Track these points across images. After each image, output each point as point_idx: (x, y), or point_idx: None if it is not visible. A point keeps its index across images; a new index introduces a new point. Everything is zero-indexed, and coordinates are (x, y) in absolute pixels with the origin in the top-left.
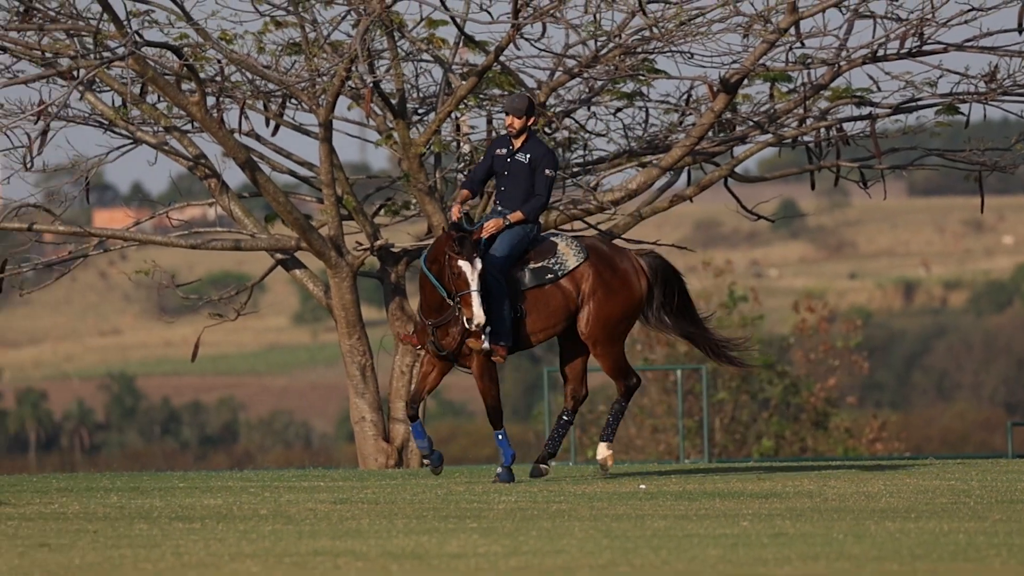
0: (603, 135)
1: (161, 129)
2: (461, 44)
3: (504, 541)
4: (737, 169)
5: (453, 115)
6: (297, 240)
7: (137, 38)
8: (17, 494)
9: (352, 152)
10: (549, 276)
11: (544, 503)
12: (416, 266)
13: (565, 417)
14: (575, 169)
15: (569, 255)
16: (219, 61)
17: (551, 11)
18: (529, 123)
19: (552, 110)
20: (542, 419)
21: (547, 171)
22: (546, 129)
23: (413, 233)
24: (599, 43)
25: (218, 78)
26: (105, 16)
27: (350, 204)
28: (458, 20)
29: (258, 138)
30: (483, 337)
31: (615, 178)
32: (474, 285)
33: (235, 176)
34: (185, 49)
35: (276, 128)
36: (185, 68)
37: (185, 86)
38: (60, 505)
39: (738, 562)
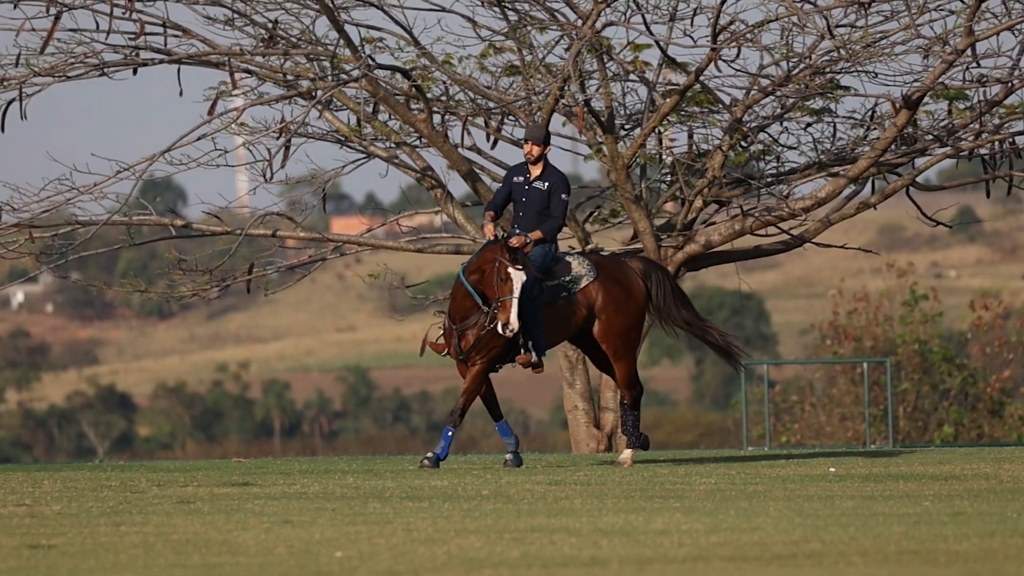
0: (794, 148)
1: (392, 144)
2: (664, 66)
3: (705, 519)
4: (918, 179)
5: (657, 130)
6: None
7: (370, 62)
8: (263, 476)
9: (565, 164)
10: (564, 294)
11: (741, 484)
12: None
13: (625, 402)
14: (769, 179)
15: (581, 273)
16: (444, 82)
17: (747, 35)
18: (545, 151)
19: (747, 125)
20: (739, 408)
21: (563, 195)
22: (742, 143)
23: (620, 238)
24: (791, 64)
25: (443, 97)
26: (341, 42)
27: None
28: (661, 44)
29: (479, 152)
30: (531, 352)
31: (805, 187)
32: (517, 292)
33: (458, 186)
34: (413, 71)
35: (495, 142)
36: (413, 88)
37: (413, 105)
38: (302, 486)
39: (920, 539)
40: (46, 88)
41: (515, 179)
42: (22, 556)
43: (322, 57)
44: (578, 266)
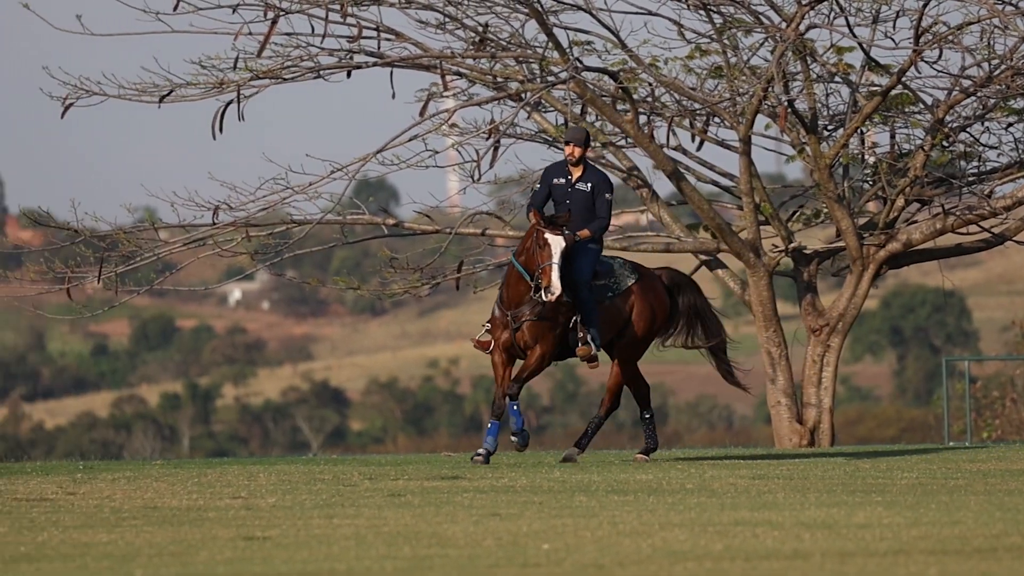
0: (995, 148)
1: (598, 144)
2: (867, 67)
3: (906, 513)
4: None
5: (860, 130)
6: (719, 243)
7: (578, 64)
8: (472, 469)
9: (768, 164)
10: (610, 294)
11: (942, 479)
12: (825, 268)
13: (647, 415)
14: (970, 178)
15: (624, 276)
16: (650, 84)
17: (949, 37)
18: (586, 153)
19: (949, 126)
20: (940, 404)
21: (607, 195)
22: (943, 143)
23: (823, 237)
24: (992, 65)
25: (649, 99)
26: (550, 45)
27: (767, 211)
28: (864, 46)
29: (684, 152)
30: (590, 345)
31: (1006, 186)
32: (556, 258)
33: (664, 186)
34: (620, 73)
35: (700, 143)
36: (620, 90)
37: (620, 106)
38: (510, 479)
39: None
40: (263, 90)
41: (555, 181)
42: (238, 547)
43: (531, 60)
44: (620, 269)
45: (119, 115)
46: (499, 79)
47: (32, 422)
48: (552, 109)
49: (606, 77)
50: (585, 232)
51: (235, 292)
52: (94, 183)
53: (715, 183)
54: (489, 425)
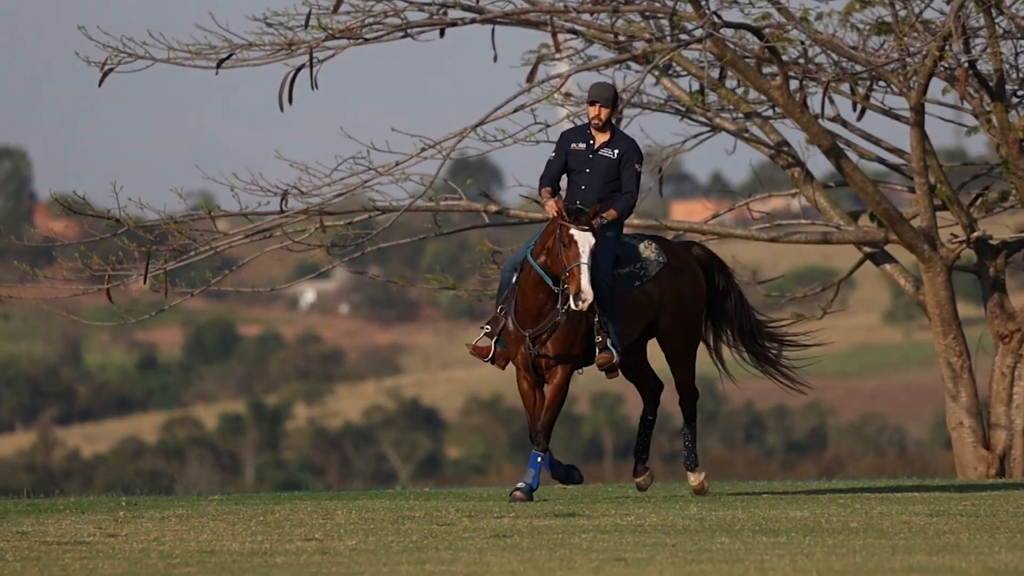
0: None
1: (741, 115)
2: None
3: None
4: None
5: None
6: (886, 232)
7: (716, 19)
8: (591, 504)
9: (946, 137)
10: (637, 283)
11: None
12: (1016, 261)
13: (650, 417)
14: None
15: (651, 259)
16: (802, 42)
17: None
18: (613, 115)
19: None
20: None
21: (636, 166)
22: None
23: (1013, 224)
24: None
25: (801, 60)
26: None
27: (944, 193)
28: None
29: (844, 123)
30: (611, 351)
31: None
32: (584, 258)
33: (819, 164)
34: (766, 30)
35: (862, 112)
36: (767, 50)
37: (766, 69)
38: (637, 516)
39: None
40: (340, 53)
41: (574, 146)
42: None
43: (660, 14)
44: (646, 250)
45: (169, 83)
46: (621, 38)
47: (66, 449)
48: (685, 73)
49: (749, 35)
50: (611, 213)
51: (308, 293)
52: (139, 164)
53: (881, 161)
54: (538, 458)
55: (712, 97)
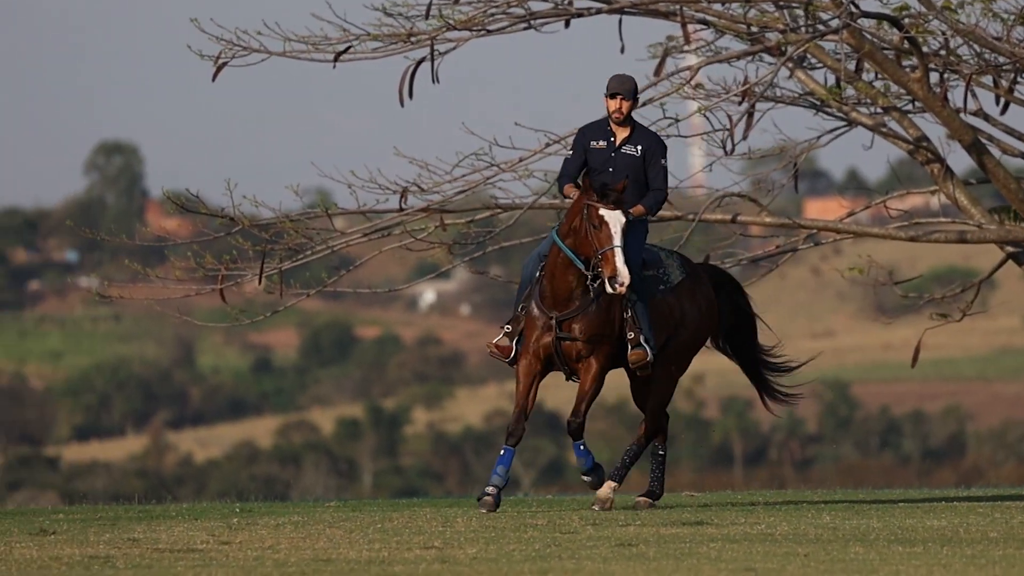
0: None
1: (878, 109)
2: None
3: None
4: None
5: None
6: None
7: (853, 8)
8: (720, 512)
9: None
10: (661, 287)
11: None
12: None
13: (661, 452)
14: None
15: (673, 268)
16: (943, 33)
17: None
18: (634, 108)
19: None
20: None
21: (662, 161)
22: None
23: None
24: None
25: (942, 51)
26: None
27: None
28: None
29: (986, 117)
30: (644, 348)
31: None
32: (617, 240)
33: (961, 160)
34: (906, 20)
35: (1006, 106)
36: (906, 41)
37: (905, 61)
38: (767, 525)
39: None
40: (461, 45)
41: (594, 144)
42: None
43: (794, 4)
44: (668, 259)
45: (283, 77)
46: (754, 29)
47: (178, 454)
48: (820, 66)
49: (888, 25)
50: (639, 208)
51: (427, 294)
52: (253, 161)
53: None
54: (502, 452)
55: (849, 91)
